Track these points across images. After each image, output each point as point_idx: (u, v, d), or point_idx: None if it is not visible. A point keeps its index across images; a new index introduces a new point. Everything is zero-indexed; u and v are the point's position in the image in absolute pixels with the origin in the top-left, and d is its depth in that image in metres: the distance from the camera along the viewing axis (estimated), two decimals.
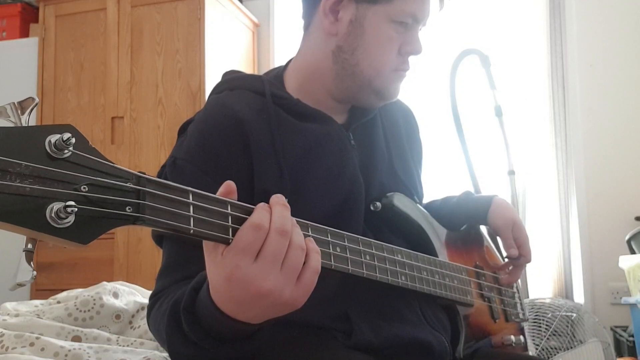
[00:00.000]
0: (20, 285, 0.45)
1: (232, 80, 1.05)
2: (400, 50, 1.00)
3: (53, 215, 0.47)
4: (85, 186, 0.49)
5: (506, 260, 1.19)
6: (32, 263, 0.45)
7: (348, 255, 0.78)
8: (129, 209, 0.53)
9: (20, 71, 3.24)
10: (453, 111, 2.35)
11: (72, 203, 0.47)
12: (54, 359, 1.05)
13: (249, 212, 0.64)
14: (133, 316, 1.34)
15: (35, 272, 0.45)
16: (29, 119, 0.47)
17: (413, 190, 1.11)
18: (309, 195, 0.94)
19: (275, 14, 3.48)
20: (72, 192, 0.48)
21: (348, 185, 0.97)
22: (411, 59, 1.03)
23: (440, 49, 3.10)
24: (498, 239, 1.21)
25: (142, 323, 1.31)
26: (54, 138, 0.47)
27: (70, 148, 0.48)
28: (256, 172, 0.91)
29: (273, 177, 0.92)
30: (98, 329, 1.26)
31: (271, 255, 0.63)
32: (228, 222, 0.63)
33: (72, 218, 0.47)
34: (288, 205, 0.67)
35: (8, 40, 3.37)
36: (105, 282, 1.42)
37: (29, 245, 0.46)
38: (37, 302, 1.39)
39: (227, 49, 3.17)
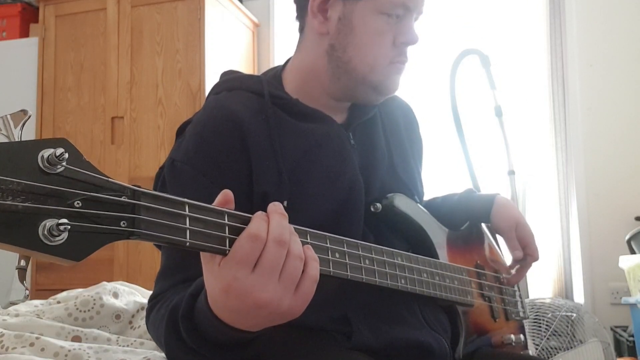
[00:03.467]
0: (13, 304, 0.44)
1: (231, 81, 1.04)
2: (395, 41, 0.98)
3: (46, 232, 0.46)
4: (79, 201, 0.48)
5: (512, 261, 1.18)
6: (25, 282, 0.45)
7: (347, 261, 0.77)
8: (124, 223, 0.52)
9: (20, 71, 3.23)
10: (453, 111, 2.34)
11: (65, 220, 0.47)
12: (54, 359, 1.05)
13: (247, 222, 0.64)
14: (133, 316, 1.34)
15: (28, 291, 0.45)
16: (22, 133, 0.47)
17: (414, 190, 1.10)
18: (309, 197, 0.93)
19: (275, 14, 3.47)
20: (66, 208, 0.47)
21: (348, 186, 0.97)
22: (409, 49, 1.00)
23: (440, 49, 3.10)
24: (500, 238, 1.20)
25: (142, 323, 1.31)
26: (46, 153, 0.46)
27: (64, 163, 0.47)
28: (255, 174, 0.90)
29: (272, 178, 0.91)
30: (98, 329, 1.26)
31: (269, 266, 0.62)
32: (225, 233, 0.62)
33: (65, 235, 0.47)
34: (286, 213, 0.66)
35: (8, 40, 3.36)
36: (105, 282, 1.41)
37: (22, 263, 0.46)
38: (37, 302, 1.38)
39: (227, 49, 3.17)
